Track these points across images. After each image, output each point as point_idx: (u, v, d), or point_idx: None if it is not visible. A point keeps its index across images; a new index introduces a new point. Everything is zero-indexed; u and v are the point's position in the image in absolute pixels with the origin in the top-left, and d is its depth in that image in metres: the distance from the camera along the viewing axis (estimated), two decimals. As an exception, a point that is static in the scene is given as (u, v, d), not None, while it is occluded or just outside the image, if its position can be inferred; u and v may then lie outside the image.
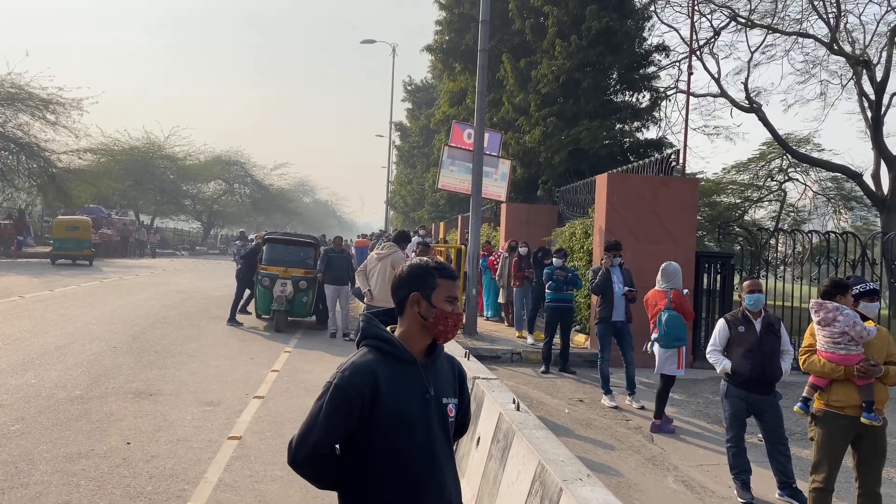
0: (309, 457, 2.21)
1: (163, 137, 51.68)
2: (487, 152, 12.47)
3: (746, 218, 28.41)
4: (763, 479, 5.81)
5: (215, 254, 53.23)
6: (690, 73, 12.01)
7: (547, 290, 10.10)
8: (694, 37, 20.86)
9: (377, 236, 24.77)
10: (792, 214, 30.27)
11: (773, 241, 13.65)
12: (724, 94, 23.38)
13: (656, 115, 17.67)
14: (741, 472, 5.58)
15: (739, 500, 5.50)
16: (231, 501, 4.92)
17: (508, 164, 12.92)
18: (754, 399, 5.50)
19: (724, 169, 31.37)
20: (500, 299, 14.03)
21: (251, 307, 14.26)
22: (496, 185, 12.86)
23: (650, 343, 7.37)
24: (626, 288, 8.55)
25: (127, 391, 7.78)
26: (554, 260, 10.19)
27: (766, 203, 30.25)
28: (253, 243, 15.13)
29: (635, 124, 17.72)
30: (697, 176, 20.47)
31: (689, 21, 21.51)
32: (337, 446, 2.26)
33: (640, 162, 12.19)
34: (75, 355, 9.53)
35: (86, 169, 39.43)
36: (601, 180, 11.01)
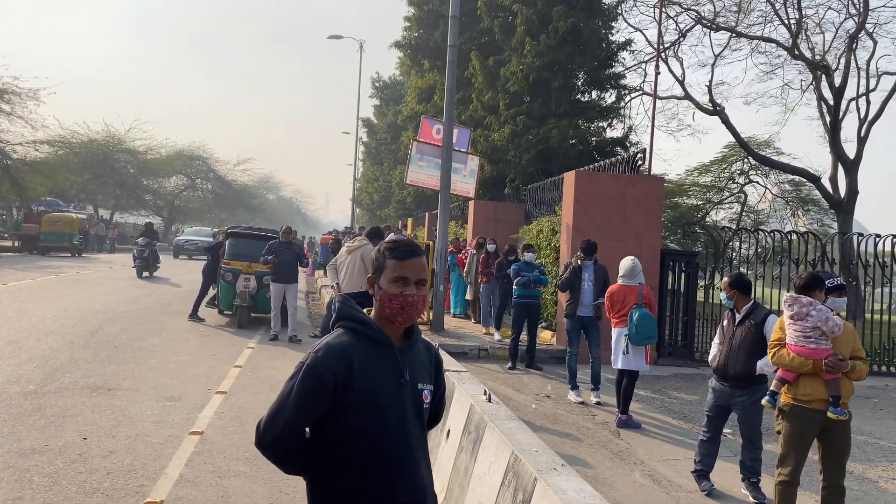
0: (277, 438, 2.13)
1: (123, 131, 50.56)
2: (457, 148, 12.42)
3: (708, 219, 28.94)
4: (733, 472, 5.87)
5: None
6: (658, 74, 12.12)
7: (514, 287, 10.09)
8: (660, 39, 21.15)
9: (345, 234, 24.49)
10: (752, 216, 30.94)
11: (735, 241, 13.86)
12: (688, 96, 23.71)
13: (622, 112, 17.82)
14: (699, 460, 5.66)
15: (701, 490, 5.56)
16: (192, 497, 4.78)
17: (477, 161, 12.89)
18: (727, 392, 5.54)
19: (686, 171, 31.91)
20: (468, 296, 13.99)
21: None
22: (465, 181, 12.82)
23: (625, 342, 7.34)
24: (597, 301, 8.41)
25: (84, 386, 7.54)
26: (526, 255, 10.18)
27: (728, 205, 30.86)
28: (216, 238, 14.76)
29: (601, 123, 17.85)
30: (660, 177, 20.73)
31: (655, 23, 21.83)
32: (307, 430, 2.17)
33: (607, 161, 12.27)
34: (29, 350, 9.22)
35: (42, 161, 38.28)
36: (569, 178, 11.05)
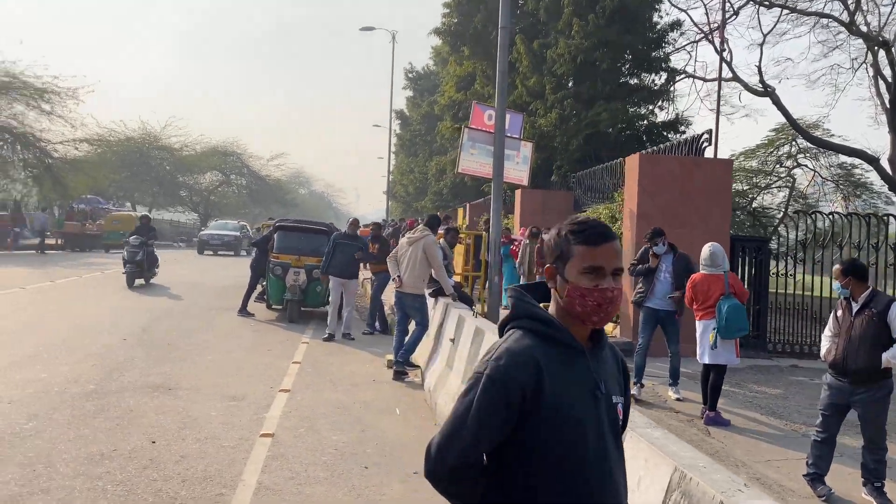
0: (455, 467, 1.73)
1: (159, 128, 50.95)
2: (509, 134, 11.95)
3: (755, 204, 28.05)
4: (846, 475, 5.39)
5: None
6: (722, 50, 11.47)
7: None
8: (708, 19, 20.39)
9: (385, 226, 24.04)
10: (800, 201, 29.89)
11: (786, 226, 13.20)
12: (736, 77, 22.86)
13: (671, 95, 17.17)
14: (812, 462, 5.19)
15: (818, 496, 5.09)
16: (275, 507, 4.46)
17: (530, 147, 12.40)
18: (846, 389, 5.05)
19: (731, 155, 30.97)
20: (520, 287, 13.55)
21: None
22: (518, 168, 12.34)
23: (714, 335, 6.85)
24: (673, 294, 7.84)
25: (144, 385, 7.29)
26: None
27: (776, 190, 29.86)
28: (261, 232, 14.46)
29: (650, 107, 17.23)
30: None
31: (701, 4, 21.06)
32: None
33: (669, 143, 11.70)
34: (84, 348, 9.03)
35: (82, 159, 38.70)
36: (632, 161, 10.54)
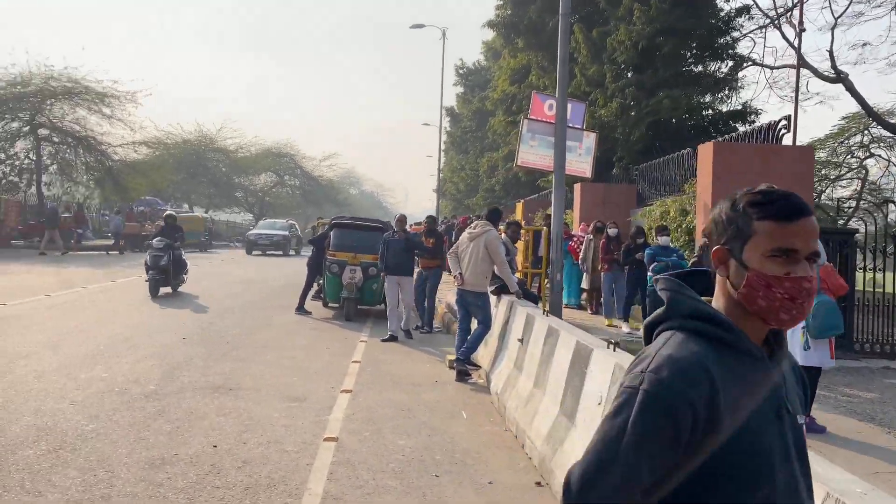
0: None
1: (214, 130, 51.87)
2: (570, 124, 11.52)
3: (824, 197, 26.79)
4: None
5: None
6: (802, 30, 10.80)
7: (650, 274, 9.16)
8: (775, 3, 19.49)
9: (438, 221, 23.67)
10: (874, 193, 28.42)
11: (863, 220, 12.35)
12: (805, 64, 21.80)
13: (737, 83, 16.38)
14: None
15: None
16: (343, 519, 4.16)
17: (593, 138, 11.91)
18: None
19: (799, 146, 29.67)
20: (584, 285, 13.08)
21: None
22: (580, 160, 11.89)
23: (804, 335, 6.30)
24: None
25: (204, 386, 7.13)
26: (660, 238, 9.23)
27: (846, 181, 28.49)
28: (316, 231, 14.30)
29: (717, 95, 16.49)
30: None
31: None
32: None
33: (743, 131, 11.07)
34: (144, 347, 8.97)
35: (141, 162, 39.60)
36: (705, 150, 9.97)
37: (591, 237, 12.79)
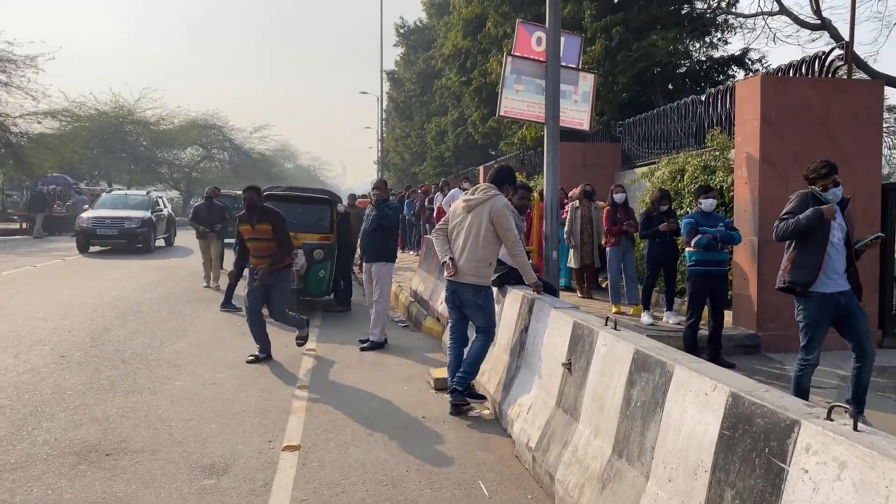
0: None
1: (132, 101, 47.50)
2: (565, 63, 9.13)
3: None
4: None
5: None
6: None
7: (690, 249, 6.95)
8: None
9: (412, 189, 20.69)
10: None
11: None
12: (783, 10, 19.98)
13: (735, 24, 14.31)
14: None
15: None
16: None
17: (591, 80, 9.56)
18: None
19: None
20: (571, 263, 10.84)
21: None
22: (576, 109, 9.54)
23: None
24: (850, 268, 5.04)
25: (66, 449, 4.56)
26: (703, 202, 7.00)
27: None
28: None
29: (709, 39, 14.38)
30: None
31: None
32: None
33: (791, 62, 8.90)
34: (1, 372, 6.27)
35: (48, 135, 35.42)
36: (748, 87, 7.74)
37: (578, 205, 10.57)
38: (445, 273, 5.59)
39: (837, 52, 8.20)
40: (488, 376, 5.69)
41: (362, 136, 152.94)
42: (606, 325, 4.03)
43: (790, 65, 8.76)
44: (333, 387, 6.30)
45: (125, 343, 7.85)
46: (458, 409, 5.44)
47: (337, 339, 8.52)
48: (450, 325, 5.76)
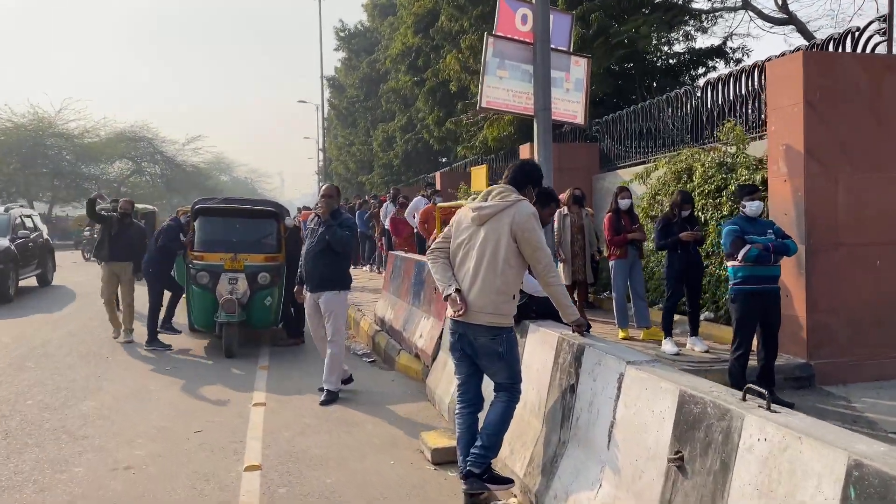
0: None
1: (53, 112, 44.26)
2: (555, 46, 7.75)
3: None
4: None
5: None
6: None
7: (733, 264, 5.60)
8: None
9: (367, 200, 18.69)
10: None
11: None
12: (747, 4, 19.23)
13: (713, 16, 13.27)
14: None
15: None
16: None
17: (584, 66, 8.19)
18: None
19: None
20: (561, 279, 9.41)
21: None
22: (568, 98, 8.16)
23: None
24: None
25: None
26: (748, 205, 5.65)
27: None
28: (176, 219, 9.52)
29: (688, 29, 13.29)
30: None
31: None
32: None
33: (831, 35, 7.71)
34: None
35: (-45, 150, 32.36)
36: (787, 66, 6.47)
37: (567, 212, 9.18)
38: (450, 311, 4.04)
39: (875, 25, 7.04)
40: (511, 448, 4.17)
41: (302, 145, 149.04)
42: (746, 399, 2.56)
43: (829, 38, 7.55)
44: (293, 466, 4.65)
45: (14, 404, 6.02)
46: (476, 501, 3.90)
47: (291, 385, 6.85)
48: (458, 382, 4.20)
